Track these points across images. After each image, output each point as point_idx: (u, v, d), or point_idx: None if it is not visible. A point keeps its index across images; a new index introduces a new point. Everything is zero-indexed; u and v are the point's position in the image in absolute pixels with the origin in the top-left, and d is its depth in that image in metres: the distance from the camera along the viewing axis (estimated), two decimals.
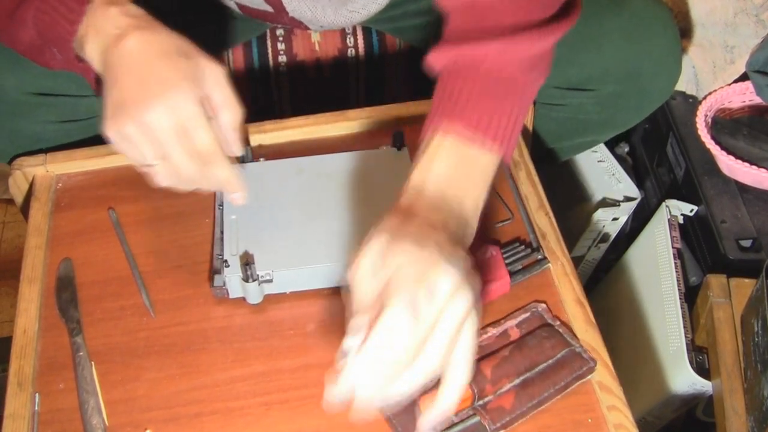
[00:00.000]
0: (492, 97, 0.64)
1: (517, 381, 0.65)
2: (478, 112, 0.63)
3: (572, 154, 1.12)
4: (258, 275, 0.70)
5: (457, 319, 0.55)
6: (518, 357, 0.66)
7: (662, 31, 0.89)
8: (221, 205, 0.77)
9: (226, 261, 0.71)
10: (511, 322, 0.70)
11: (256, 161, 0.81)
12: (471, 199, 0.63)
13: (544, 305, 0.71)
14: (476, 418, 0.64)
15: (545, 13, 0.67)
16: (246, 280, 0.69)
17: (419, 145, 0.65)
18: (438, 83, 0.66)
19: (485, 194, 0.64)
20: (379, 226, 0.59)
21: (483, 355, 0.67)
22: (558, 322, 0.69)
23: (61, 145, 0.88)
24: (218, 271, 0.71)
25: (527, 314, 0.70)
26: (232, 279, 0.71)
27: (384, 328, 0.53)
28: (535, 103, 0.90)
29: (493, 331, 0.69)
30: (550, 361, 0.66)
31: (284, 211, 0.76)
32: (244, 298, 0.72)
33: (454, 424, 0.64)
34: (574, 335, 0.69)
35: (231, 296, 0.72)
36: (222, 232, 0.74)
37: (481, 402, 0.64)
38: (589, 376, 0.66)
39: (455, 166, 0.62)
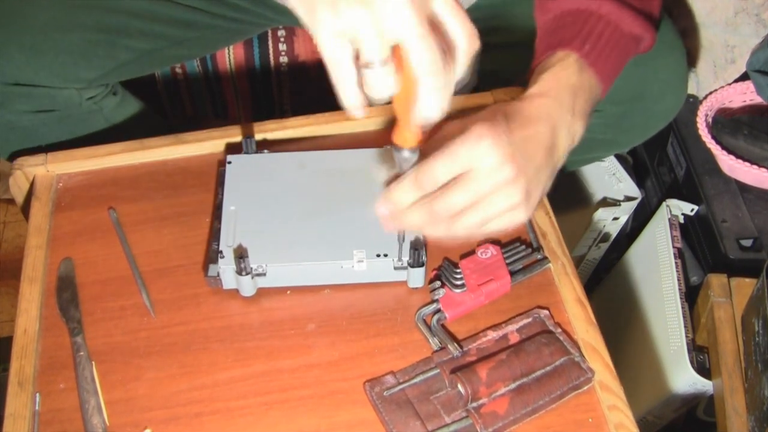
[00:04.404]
0: (612, 46, 0.71)
1: (512, 386, 0.65)
2: (597, 52, 0.70)
3: (577, 167, 1.12)
4: (251, 268, 0.70)
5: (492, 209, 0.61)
6: (515, 362, 0.66)
7: (669, 52, 0.89)
8: (221, 196, 0.77)
9: (221, 252, 0.71)
10: (512, 327, 0.70)
11: (260, 152, 0.82)
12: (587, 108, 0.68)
13: (546, 311, 0.71)
14: (468, 421, 0.64)
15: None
16: (239, 272, 0.70)
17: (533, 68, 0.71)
18: (554, 20, 0.72)
19: (584, 121, 0.69)
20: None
21: (480, 358, 0.67)
22: (559, 330, 0.69)
23: (39, 135, 0.88)
24: (213, 262, 0.72)
25: (529, 319, 0.70)
26: (225, 270, 0.71)
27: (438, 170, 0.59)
28: None
29: (492, 335, 0.69)
30: (548, 368, 0.66)
31: (283, 205, 0.76)
32: (245, 298, 0.73)
33: (446, 425, 0.64)
34: (575, 344, 0.68)
35: (224, 287, 0.72)
36: (220, 223, 0.74)
37: (474, 404, 0.64)
38: (585, 387, 0.66)
39: (580, 80, 0.68)
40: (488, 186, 0.60)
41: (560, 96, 0.66)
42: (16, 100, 0.85)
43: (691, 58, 1.14)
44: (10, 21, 0.83)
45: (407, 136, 0.60)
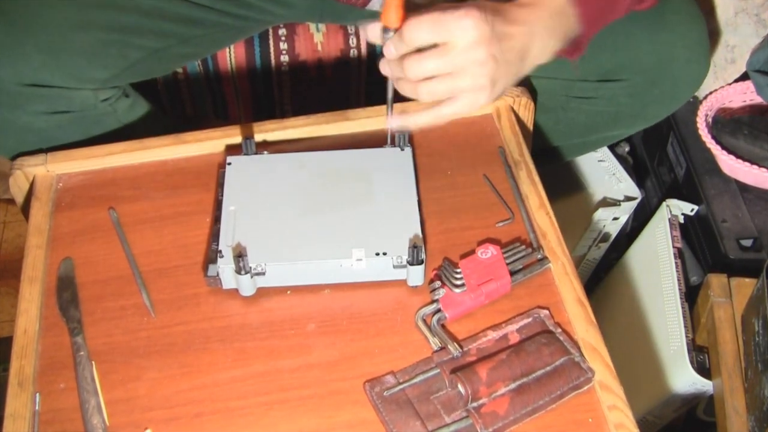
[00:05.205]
0: None
1: (512, 386, 0.65)
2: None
3: (598, 147, 1.13)
4: (250, 267, 0.70)
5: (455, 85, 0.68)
6: (515, 361, 0.66)
7: (691, 21, 0.90)
8: (221, 196, 0.77)
9: (220, 251, 0.72)
10: (512, 327, 0.70)
11: (260, 153, 0.82)
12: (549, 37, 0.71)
13: (546, 311, 0.71)
14: (468, 421, 0.64)
15: None
16: (238, 272, 0.70)
17: None
18: None
19: (557, 44, 0.72)
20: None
21: (480, 357, 0.67)
22: (559, 330, 0.69)
23: (53, 137, 0.88)
24: (212, 262, 0.72)
25: (529, 319, 0.70)
26: (225, 270, 0.71)
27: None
28: (536, 102, 0.90)
29: (492, 335, 0.69)
30: (548, 368, 0.66)
31: (283, 205, 0.76)
32: (245, 297, 0.73)
33: (446, 425, 0.64)
34: (575, 344, 0.68)
35: (224, 287, 0.72)
36: (219, 223, 0.74)
37: (474, 404, 0.64)
38: (585, 387, 0.66)
39: (563, 7, 0.71)
40: (461, 60, 0.66)
41: (545, 11, 0.71)
42: (33, 101, 0.84)
43: None
44: (27, 21, 0.82)
45: (392, 17, 0.68)
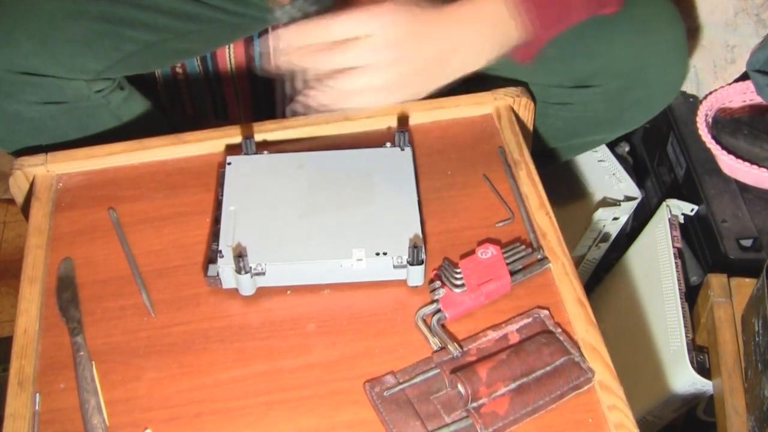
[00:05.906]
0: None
1: (512, 386, 0.65)
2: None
3: (582, 151, 1.13)
4: (250, 267, 0.70)
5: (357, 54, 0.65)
6: (515, 361, 0.66)
7: (669, 26, 0.89)
8: (221, 196, 0.77)
9: (220, 251, 0.72)
10: (512, 327, 0.70)
11: (260, 153, 0.82)
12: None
13: (546, 311, 0.71)
14: (468, 421, 0.64)
15: None
16: (238, 272, 0.70)
17: None
18: None
19: (493, 51, 0.70)
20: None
21: (480, 358, 0.67)
22: (559, 330, 0.69)
23: (46, 127, 0.88)
24: (212, 262, 0.72)
25: (529, 319, 0.70)
26: (225, 270, 0.71)
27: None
28: (535, 102, 0.90)
29: (492, 335, 0.69)
30: (548, 368, 0.66)
31: (283, 205, 0.76)
32: (246, 297, 0.73)
33: (446, 425, 0.64)
34: (575, 344, 0.68)
35: (224, 287, 0.72)
36: (219, 223, 0.75)
37: (474, 404, 0.64)
38: (585, 387, 0.66)
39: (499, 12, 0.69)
40: (361, 60, 0.65)
41: (476, 18, 0.69)
42: (24, 89, 0.84)
43: (692, 58, 1.14)
44: (18, 8, 0.83)
45: None
